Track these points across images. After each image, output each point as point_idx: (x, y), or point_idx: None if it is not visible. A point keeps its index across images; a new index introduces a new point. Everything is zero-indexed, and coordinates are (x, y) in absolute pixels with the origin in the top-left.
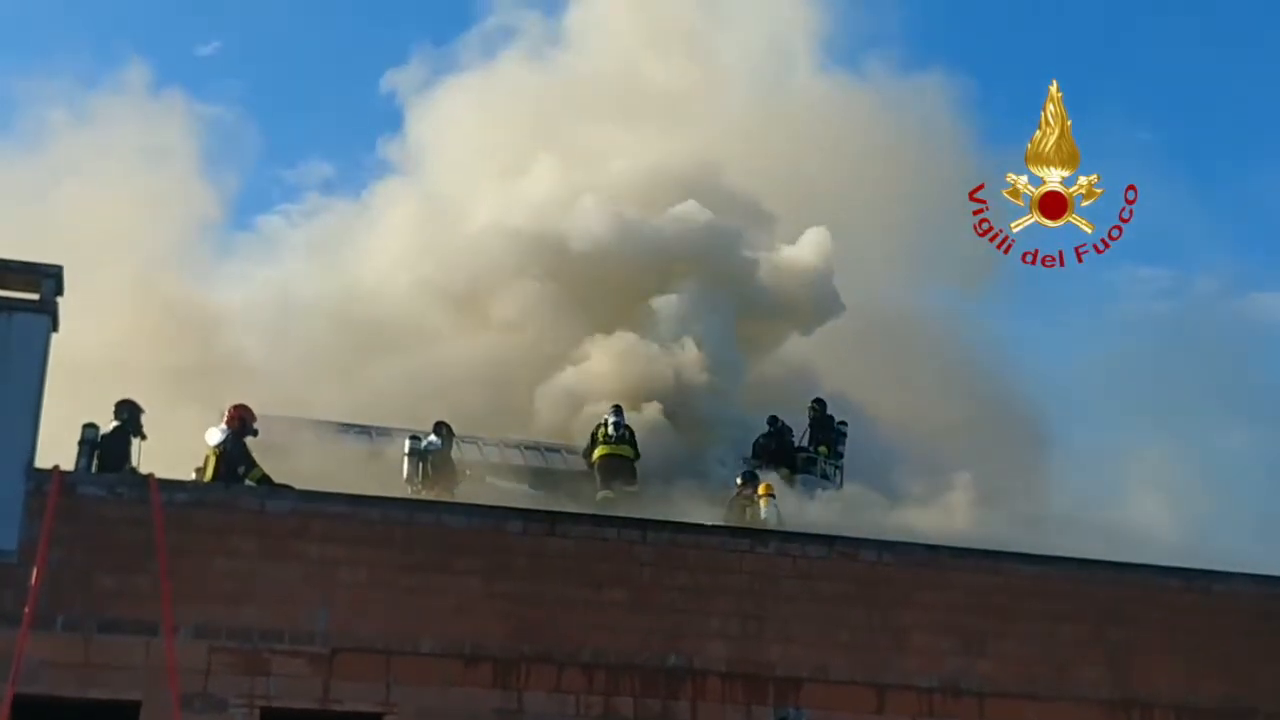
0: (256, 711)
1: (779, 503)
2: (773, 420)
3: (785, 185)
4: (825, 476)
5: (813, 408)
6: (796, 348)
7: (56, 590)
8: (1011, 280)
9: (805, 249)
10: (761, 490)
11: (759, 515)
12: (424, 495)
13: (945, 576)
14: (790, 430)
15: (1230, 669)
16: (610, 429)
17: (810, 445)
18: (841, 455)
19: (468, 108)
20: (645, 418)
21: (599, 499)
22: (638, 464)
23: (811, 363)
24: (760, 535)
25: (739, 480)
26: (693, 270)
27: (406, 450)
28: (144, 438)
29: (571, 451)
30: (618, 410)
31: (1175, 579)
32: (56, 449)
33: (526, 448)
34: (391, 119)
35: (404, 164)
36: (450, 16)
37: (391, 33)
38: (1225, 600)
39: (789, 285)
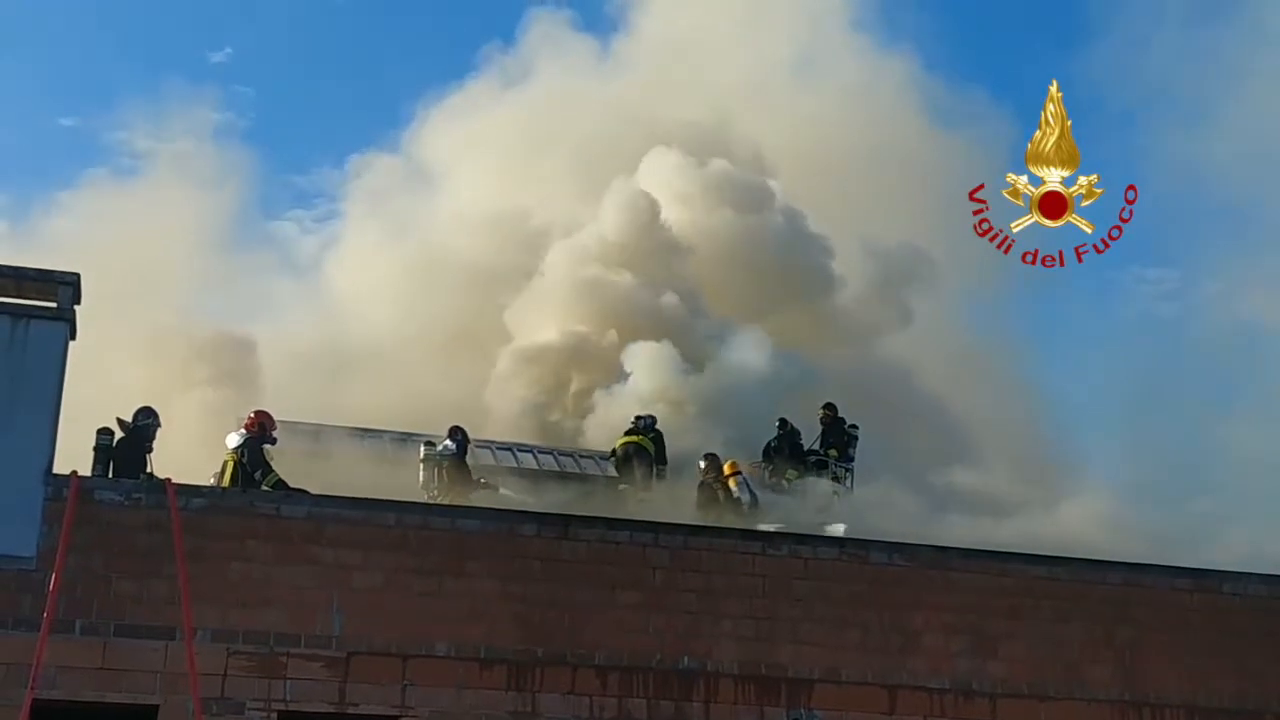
0: (274, 715)
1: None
2: (782, 422)
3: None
4: (836, 479)
5: (825, 412)
6: (813, 349)
7: (74, 595)
8: (1016, 281)
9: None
10: (727, 470)
11: (732, 496)
12: (440, 501)
13: (955, 578)
14: (799, 433)
15: (1240, 669)
16: (633, 422)
17: (821, 449)
18: (852, 459)
19: (483, 115)
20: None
21: (619, 489)
22: (663, 472)
23: (822, 363)
24: (772, 538)
25: (701, 464)
26: (709, 277)
27: (422, 456)
28: (150, 450)
29: (585, 455)
30: (650, 417)
31: (1185, 579)
32: (74, 455)
33: (540, 452)
34: (406, 124)
35: (418, 168)
36: (464, 26)
37: (405, 39)
38: (1235, 600)
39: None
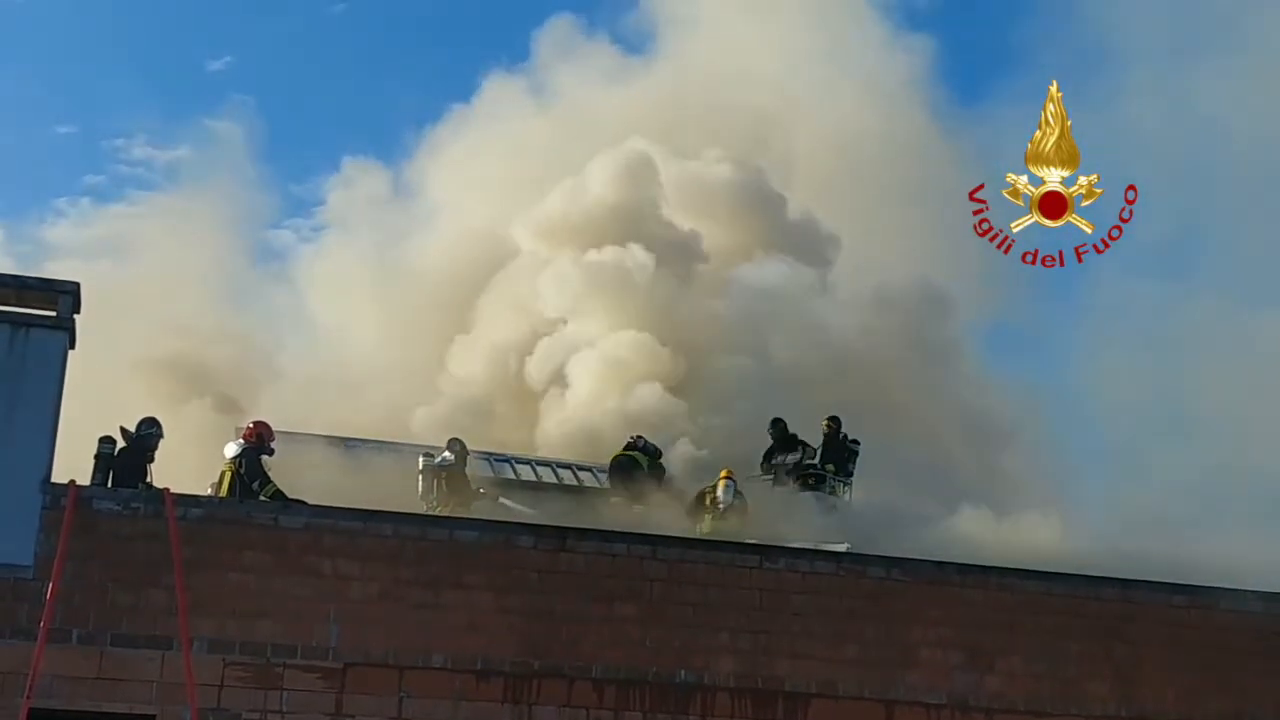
0: None
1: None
2: (780, 425)
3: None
4: (833, 494)
5: (828, 425)
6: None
7: (72, 605)
8: (1016, 288)
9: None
10: (723, 474)
11: (717, 495)
12: (439, 511)
13: (952, 592)
14: (796, 436)
15: (1237, 685)
16: (630, 439)
17: (819, 463)
18: (851, 474)
19: (484, 131)
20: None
21: (611, 501)
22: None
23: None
24: (769, 551)
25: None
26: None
27: (420, 466)
28: (151, 460)
29: (583, 468)
30: (652, 445)
31: (1182, 595)
32: (73, 464)
33: (539, 464)
34: (407, 135)
35: (406, 183)
36: (472, 36)
37: (410, 49)
38: (1232, 616)
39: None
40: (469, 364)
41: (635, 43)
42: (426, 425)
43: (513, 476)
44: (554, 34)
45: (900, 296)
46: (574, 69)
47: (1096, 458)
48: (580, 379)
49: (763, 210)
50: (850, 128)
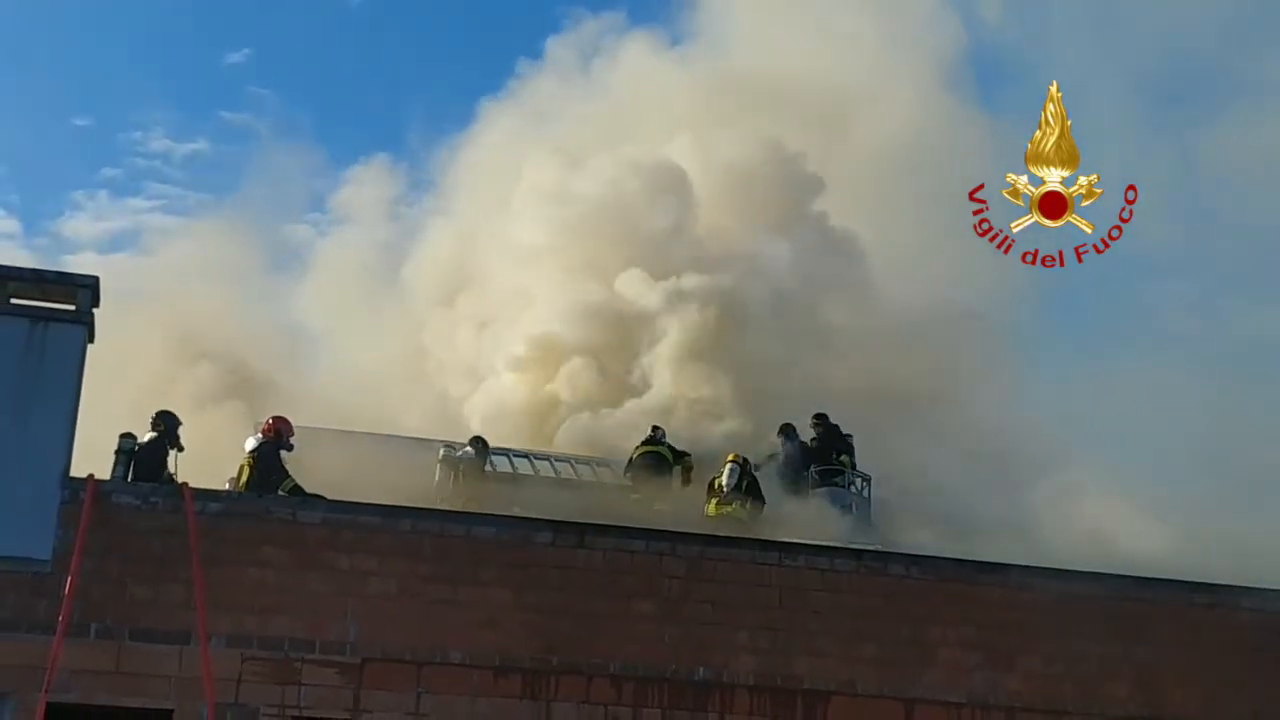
0: None
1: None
2: (792, 432)
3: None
4: (852, 485)
5: (816, 422)
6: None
7: (90, 599)
8: (1024, 289)
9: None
10: (729, 457)
11: (721, 480)
12: (451, 503)
13: (973, 591)
14: (804, 444)
15: (1259, 687)
16: (651, 431)
17: (833, 456)
18: (854, 468)
19: (502, 130)
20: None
21: (631, 499)
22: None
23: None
24: (789, 548)
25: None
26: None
27: (440, 457)
28: (181, 449)
29: (603, 464)
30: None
31: (1204, 595)
32: (92, 458)
33: (557, 460)
34: (427, 130)
35: (441, 180)
36: (493, 31)
37: (429, 42)
38: (1254, 616)
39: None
40: (479, 362)
41: (673, 37)
42: (441, 423)
43: (531, 473)
44: (580, 33)
45: (925, 304)
46: (603, 65)
47: (1103, 458)
48: (586, 375)
49: (792, 205)
50: (883, 126)
